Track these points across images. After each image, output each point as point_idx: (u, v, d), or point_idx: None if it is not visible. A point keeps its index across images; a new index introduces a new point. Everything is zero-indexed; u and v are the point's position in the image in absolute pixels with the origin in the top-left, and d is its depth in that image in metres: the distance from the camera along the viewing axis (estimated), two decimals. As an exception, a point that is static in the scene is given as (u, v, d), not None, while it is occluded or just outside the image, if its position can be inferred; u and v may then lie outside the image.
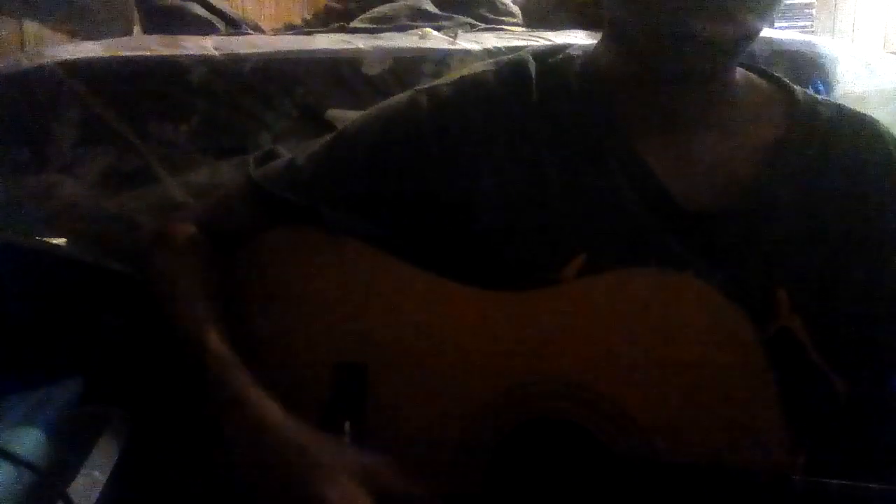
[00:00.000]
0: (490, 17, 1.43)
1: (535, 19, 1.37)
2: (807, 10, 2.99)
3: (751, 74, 0.69)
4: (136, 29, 1.53)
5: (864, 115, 0.68)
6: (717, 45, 0.57)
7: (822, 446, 0.58)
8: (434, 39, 1.11)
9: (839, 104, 0.69)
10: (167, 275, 0.67)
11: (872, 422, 0.62)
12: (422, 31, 1.17)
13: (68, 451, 0.57)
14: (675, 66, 0.60)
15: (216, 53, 1.00)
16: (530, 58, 0.70)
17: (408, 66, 1.02)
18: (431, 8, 1.40)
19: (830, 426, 0.60)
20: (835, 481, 0.52)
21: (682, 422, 0.57)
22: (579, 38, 1.13)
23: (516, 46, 1.06)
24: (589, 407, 0.58)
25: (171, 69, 0.98)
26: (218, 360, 0.59)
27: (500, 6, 1.48)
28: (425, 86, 0.71)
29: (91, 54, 0.99)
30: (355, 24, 1.35)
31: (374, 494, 0.52)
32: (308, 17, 1.62)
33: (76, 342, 0.67)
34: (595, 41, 0.70)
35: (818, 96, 0.70)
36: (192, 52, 1.00)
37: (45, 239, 0.84)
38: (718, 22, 0.56)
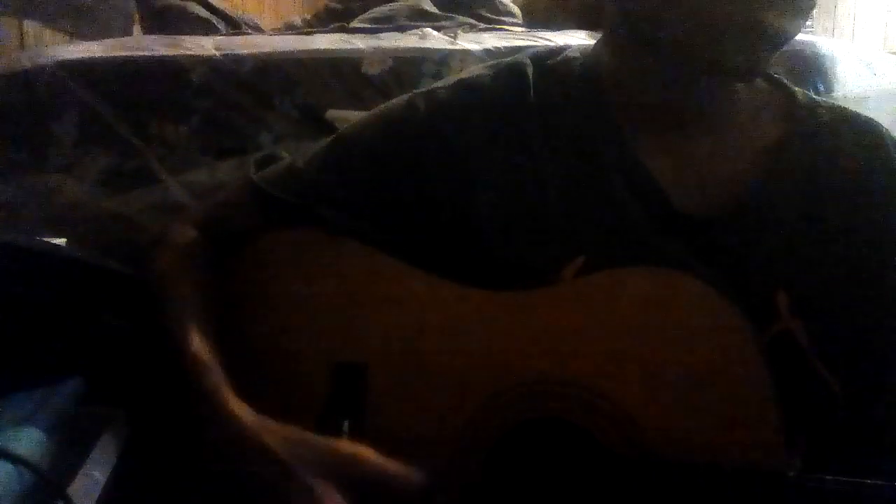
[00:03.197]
0: (490, 17, 1.43)
1: (535, 19, 1.37)
2: (807, 10, 2.98)
3: None
4: (136, 29, 1.53)
5: (865, 116, 0.68)
6: (780, 39, 0.57)
7: (819, 448, 0.58)
8: (434, 39, 1.11)
9: (839, 105, 0.69)
10: (163, 276, 0.67)
11: (871, 424, 0.62)
12: (422, 31, 1.17)
13: (68, 451, 0.57)
14: (737, 60, 0.58)
15: (216, 53, 1.00)
16: (528, 60, 0.70)
17: (408, 66, 1.02)
18: (431, 8, 1.39)
19: (829, 428, 0.60)
20: (830, 478, 0.53)
21: (679, 421, 0.57)
22: (579, 38, 1.13)
23: (516, 46, 1.06)
24: (587, 406, 0.58)
25: (171, 69, 0.98)
26: (194, 360, 0.59)
27: (500, 6, 1.48)
28: (423, 89, 0.71)
29: (91, 54, 1.00)
30: (355, 24, 1.34)
31: (347, 486, 0.51)
32: (308, 17, 1.62)
33: (76, 342, 0.66)
34: (595, 41, 0.70)
35: (818, 98, 0.70)
36: (192, 52, 1.00)
37: (45, 239, 0.84)
38: (785, 16, 0.56)
